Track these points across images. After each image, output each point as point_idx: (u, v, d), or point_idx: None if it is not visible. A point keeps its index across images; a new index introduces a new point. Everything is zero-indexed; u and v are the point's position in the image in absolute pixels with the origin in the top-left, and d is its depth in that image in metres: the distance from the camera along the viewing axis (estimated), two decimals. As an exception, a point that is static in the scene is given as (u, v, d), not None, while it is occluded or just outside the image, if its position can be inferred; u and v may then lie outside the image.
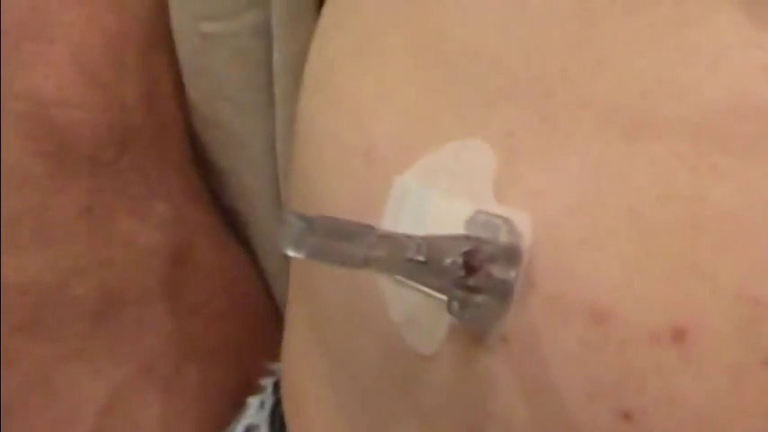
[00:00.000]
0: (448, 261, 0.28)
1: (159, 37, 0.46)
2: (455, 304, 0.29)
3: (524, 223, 0.29)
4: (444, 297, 0.29)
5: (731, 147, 0.27)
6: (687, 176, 0.27)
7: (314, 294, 0.36)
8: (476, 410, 0.30)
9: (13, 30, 0.43)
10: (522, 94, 0.30)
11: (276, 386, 0.41)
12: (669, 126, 0.28)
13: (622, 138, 0.28)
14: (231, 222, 0.49)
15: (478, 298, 0.29)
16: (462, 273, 0.29)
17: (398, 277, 0.30)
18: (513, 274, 0.29)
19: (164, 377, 0.46)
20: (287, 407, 0.39)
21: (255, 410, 0.42)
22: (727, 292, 0.27)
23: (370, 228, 0.27)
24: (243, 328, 0.48)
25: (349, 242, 0.27)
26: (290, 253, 0.26)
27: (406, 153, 0.32)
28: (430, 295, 0.30)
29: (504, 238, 0.29)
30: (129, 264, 0.45)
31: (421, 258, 0.28)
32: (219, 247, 0.48)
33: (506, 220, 0.29)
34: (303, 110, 0.37)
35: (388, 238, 0.28)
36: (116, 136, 0.44)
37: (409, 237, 0.28)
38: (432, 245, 0.28)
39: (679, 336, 0.27)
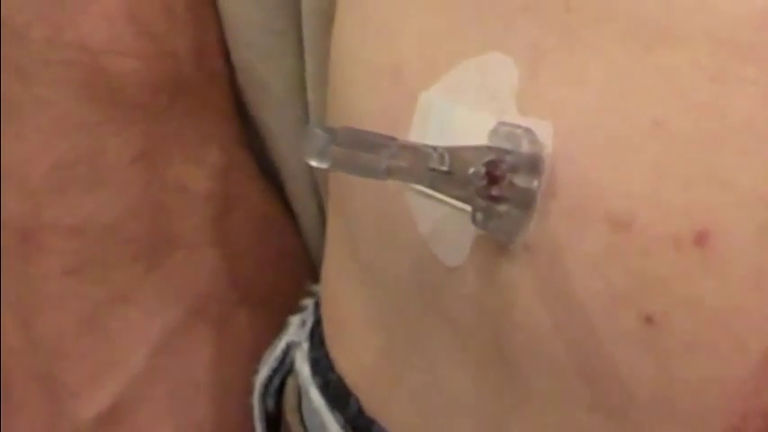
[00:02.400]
0: (470, 171, 0.27)
1: None
2: (479, 215, 0.28)
3: (546, 133, 0.28)
4: (469, 208, 0.28)
5: (751, 57, 0.26)
6: (708, 86, 0.26)
7: (349, 210, 0.35)
8: (501, 320, 0.29)
9: None
10: (542, 9, 0.28)
11: (317, 306, 0.40)
12: (691, 38, 0.27)
13: (644, 49, 0.27)
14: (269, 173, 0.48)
15: (502, 208, 0.28)
16: (485, 182, 0.27)
17: (423, 188, 0.29)
18: (535, 183, 0.28)
19: (215, 320, 0.45)
20: (325, 322, 0.38)
21: (296, 328, 0.41)
22: (748, 197, 0.25)
23: (392, 138, 0.26)
24: (289, 278, 0.46)
25: (371, 152, 0.26)
26: (314, 163, 0.25)
27: (431, 70, 0.30)
28: (455, 207, 0.29)
29: (525, 148, 0.28)
30: (181, 208, 0.44)
31: (444, 168, 0.27)
32: (267, 197, 0.47)
33: (528, 131, 0.28)
34: (335, 33, 0.35)
35: (411, 148, 0.26)
36: (168, 84, 0.43)
37: (432, 147, 0.27)
38: (454, 155, 0.27)
39: (701, 239, 0.26)
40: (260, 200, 0.46)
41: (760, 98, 0.25)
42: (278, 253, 0.46)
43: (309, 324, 0.40)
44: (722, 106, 0.26)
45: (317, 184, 0.46)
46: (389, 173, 0.26)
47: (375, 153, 0.26)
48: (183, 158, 0.43)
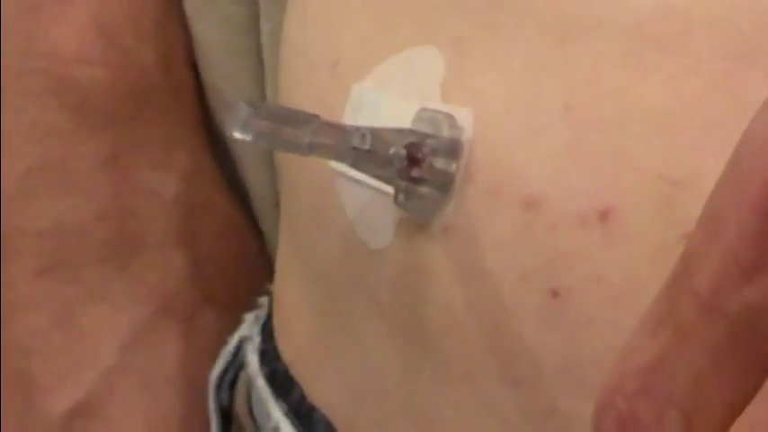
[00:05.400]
0: (392, 151, 0.27)
1: (173, 7, 0.44)
2: (401, 195, 0.28)
3: (466, 119, 0.28)
4: (392, 190, 0.28)
5: (655, 46, 0.26)
6: (616, 73, 0.26)
7: (292, 203, 0.35)
8: (420, 299, 0.29)
9: None
10: (468, 4, 0.28)
11: (271, 301, 0.40)
12: (601, 29, 0.27)
13: (560, 40, 0.27)
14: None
15: (422, 189, 0.28)
16: (406, 163, 0.27)
17: (349, 171, 0.28)
18: (454, 166, 0.28)
19: (182, 317, 0.44)
20: (274, 315, 0.38)
21: (250, 324, 0.40)
22: (648, 175, 0.26)
23: (315, 116, 0.26)
24: (251, 280, 0.46)
25: (294, 128, 0.26)
26: (238, 135, 0.25)
27: (365, 64, 0.30)
28: (380, 191, 0.29)
29: (446, 132, 0.28)
30: (150, 211, 0.44)
31: (365, 147, 0.27)
32: (232, 203, 0.47)
33: (448, 116, 0.28)
34: (283, 34, 0.35)
35: (333, 125, 0.26)
36: (136, 93, 0.43)
37: (354, 126, 0.26)
38: (376, 135, 0.27)
39: (604, 217, 0.26)
40: (225, 205, 0.46)
41: (662, 83, 0.26)
42: (241, 256, 0.46)
43: (262, 319, 0.40)
44: (628, 92, 0.26)
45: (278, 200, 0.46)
46: (311, 149, 0.26)
47: (298, 128, 0.26)
48: (150, 164, 0.44)
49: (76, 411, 0.43)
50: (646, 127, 0.25)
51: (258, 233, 0.47)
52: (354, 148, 0.26)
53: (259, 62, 0.43)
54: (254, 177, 0.46)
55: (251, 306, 0.42)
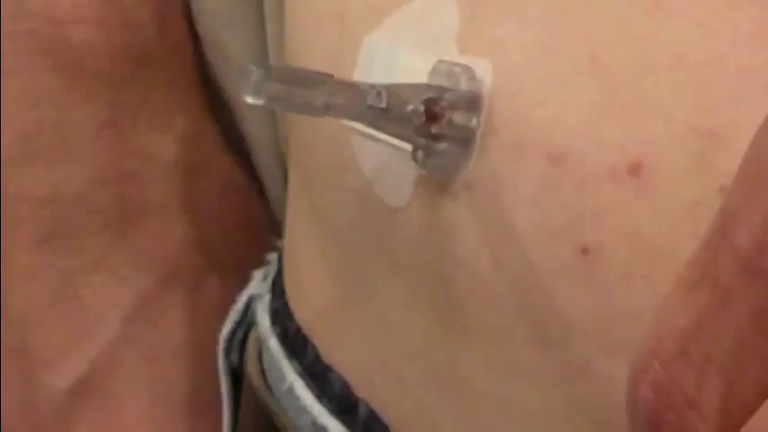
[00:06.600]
0: (409, 108, 0.26)
1: None
2: (419, 153, 0.27)
3: (485, 71, 0.26)
4: (410, 147, 0.26)
5: None
6: (643, 19, 0.25)
7: (304, 159, 0.34)
8: (443, 259, 0.28)
9: None
10: None
11: (279, 258, 0.39)
12: None
13: None
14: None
15: (442, 145, 0.26)
16: (424, 120, 0.26)
17: (366, 129, 0.27)
18: (474, 121, 0.26)
19: (187, 285, 0.43)
20: (285, 273, 0.37)
21: (258, 282, 0.39)
22: (681, 127, 0.24)
23: (329, 75, 0.25)
24: (256, 244, 0.44)
25: (308, 89, 0.24)
26: (250, 100, 0.24)
27: (375, 15, 0.29)
28: (397, 148, 0.28)
29: (464, 85, 0.26)
30: (150, 176, 0.42)
31: (382, 105, 0.25)
32: (234, 164, 0.45)
33: (467, 68, 0.26)
34: None
35: (348, 85, 0.25)
36: (132, 53, 0.41)
37: (370, 84, 0.25)
38: (392, 92, 0.26)
39: (635, 170, 0.24)
40: (227, 167, 0.44)
41: (692, 29, 0.24)
42: (245, 219, 0.45)
43: (271, 276, 0.39)
44: (656, 39, 0.25)
45: (283, 156, 0.45)
46: (327, 109, 0.25)
47: (312, 89, 0.24)
48: (148, 126, 0.42)
49: (79, 386, 0.42)
50: (676, 76, 0.24)
51: (261, 193, 0.46)
52: (370, 107, 0.25)
53: (260, 9, 0.42)
54: (256, 136, 0.44)
55: (258, 263, 0.41)
